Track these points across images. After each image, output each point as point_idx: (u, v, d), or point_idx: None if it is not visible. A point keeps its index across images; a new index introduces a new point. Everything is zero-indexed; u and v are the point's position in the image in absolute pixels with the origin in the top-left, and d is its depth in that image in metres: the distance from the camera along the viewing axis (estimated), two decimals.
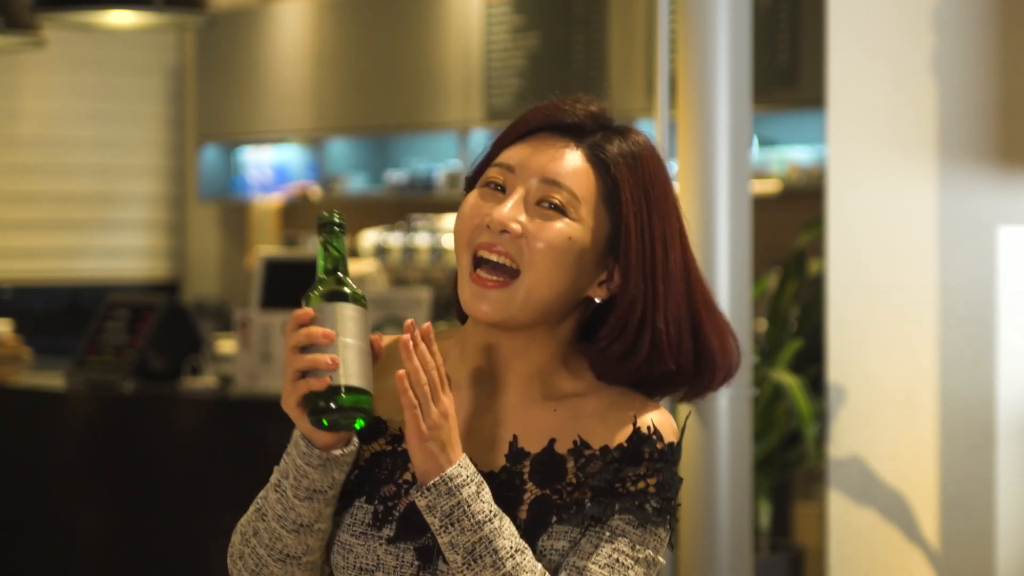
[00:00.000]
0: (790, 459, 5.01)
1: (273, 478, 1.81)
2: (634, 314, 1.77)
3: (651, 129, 7.38)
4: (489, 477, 1.77)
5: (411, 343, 1.69)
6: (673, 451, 1.78)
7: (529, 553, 1.71)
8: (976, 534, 3.93)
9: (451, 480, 1.69)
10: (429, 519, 1.70)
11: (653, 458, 1.77)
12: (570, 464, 1.77)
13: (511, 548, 1.70)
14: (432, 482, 1.69)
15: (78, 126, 9.22)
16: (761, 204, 5.03)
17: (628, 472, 1.76)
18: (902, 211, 4.01)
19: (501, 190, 1.79)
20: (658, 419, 1.79)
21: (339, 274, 1.75)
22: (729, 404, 3.81)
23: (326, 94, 8.76)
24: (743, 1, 3.82)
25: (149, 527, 5.33)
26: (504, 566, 1.69)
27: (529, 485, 1.77)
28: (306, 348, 1.71)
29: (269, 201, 9.37)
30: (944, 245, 3.96)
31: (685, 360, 1.81)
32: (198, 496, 5.15)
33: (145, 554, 5.35)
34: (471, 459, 1.76)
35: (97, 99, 9.26)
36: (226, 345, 5.99)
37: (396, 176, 8.58)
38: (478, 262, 1.77)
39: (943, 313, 3.96)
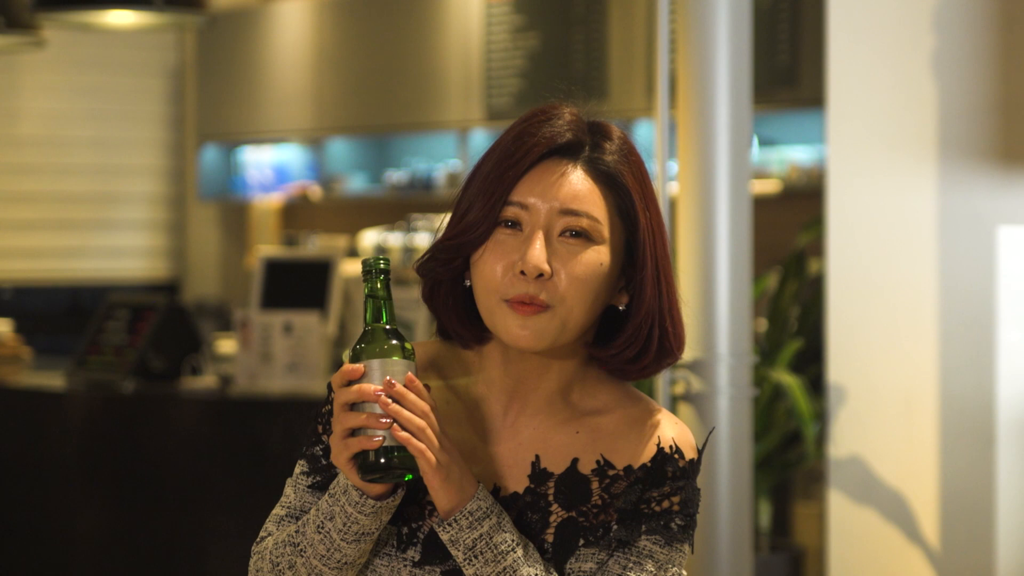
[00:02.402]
0: (790, 459, 5.01)
1: (315, 518, 1.76)
2: (651, 316, 1.78)
3: (651, 129, 7.38)
4: (513, 499, 1.77)
5: (401, 395, 1.67)
6: (693, 467, 1.79)
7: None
8: (976, 534, 3.93)
9: (472, 514, 1.69)
10: (453, 552, 1.71)
11: (675, 476, 1.77)
12: (594, 484, 1.78)
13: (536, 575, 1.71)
14: (453, 516, 1.69)
15: (78, 126, 9.22)
16: (761, 204, 5.03)
17: (652, 492, 1.76)
18: (902, 211, 4.01)
19: (519, 228, 1.75)
20: (678, 436, 1.79)
21: (387, 325, 1.71)
22: (729, 404, 3.81)
23: (326, 94, 8.76)
24: (743, 1, 3.82)
25: (149, 527, 5.33)
26: None
27: (555, 507, 1.77)
28: (356, 404, 1.68)
29: (269, 201, 9.37)
30: (944, 245, 3.96)
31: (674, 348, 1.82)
32: (198, 496, 5.15)
33: (145, 554, 5.35)
34: (494, 481, 1.77)
35: (97, 99, 9.26)
36: (226, 345, 5.99)
37: (396, 176, 8.57)
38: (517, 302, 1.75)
39: (943, 313, 3.96)
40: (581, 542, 1.76)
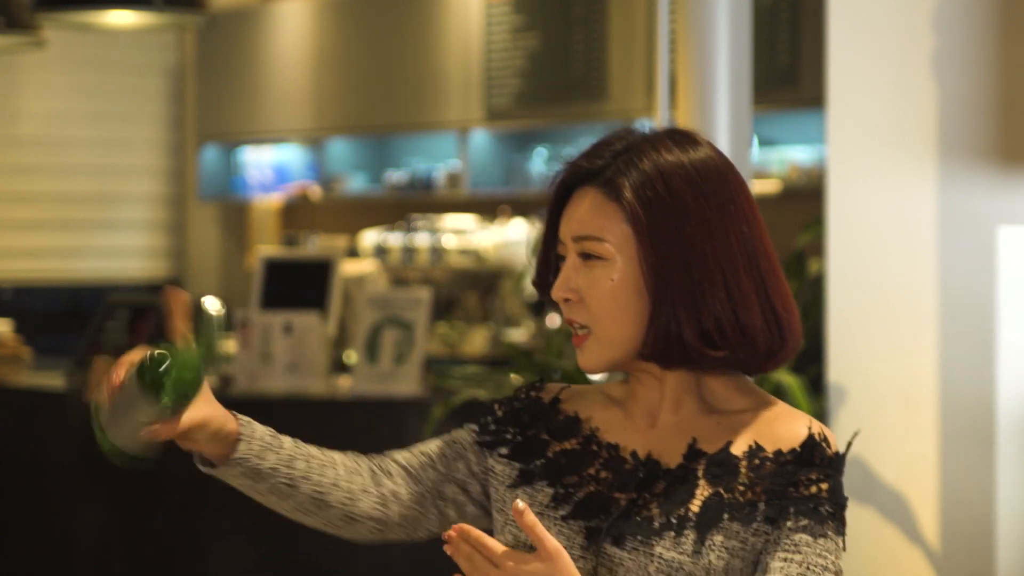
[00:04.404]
0: None
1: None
2: (667, 314, 1.82)
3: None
4: (664, 473, 1.84)
5: (456, 549, 1.78)
6: (840, 460, 1.85)
7: None
8: (976, 534, 3.93)
9: None
10: None
11: (823, 463, 1.83)
12: (743, 465, 1.83)
13: None
14: None
15: (78, 126, 9.22)
16: (761, 204, 5.02)
17: (801, 475, 1.81)
18: (902, 211, 4.01)
19: (564, 259, 1.89)
20: (825, 429, 1.86)
21: (172, 347, 1.81)
22: None
23: (326, 94, 8.76)
24: (743, 1, 3.82)
25: (149, 527, 5.33)
26: None
27: (702, 482, 1.83)
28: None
29: (269, 201, 9.37)
30: (944, 245, 3.96)
31: (741, 345, 1.85)
32: (198, 496, 5.15)
33: (145, 554, 5.35)
34: (649, 450, 1.86)
35: (97, 99, 9.26)
36: (226, 345, 5.99)
37: (396, 176, 8.57)
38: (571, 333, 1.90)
39: (943, 313, 3.96)
40: (726, 516, 1.80)
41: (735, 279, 1.83)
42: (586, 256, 1.85)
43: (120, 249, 9.43)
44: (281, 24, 8.96)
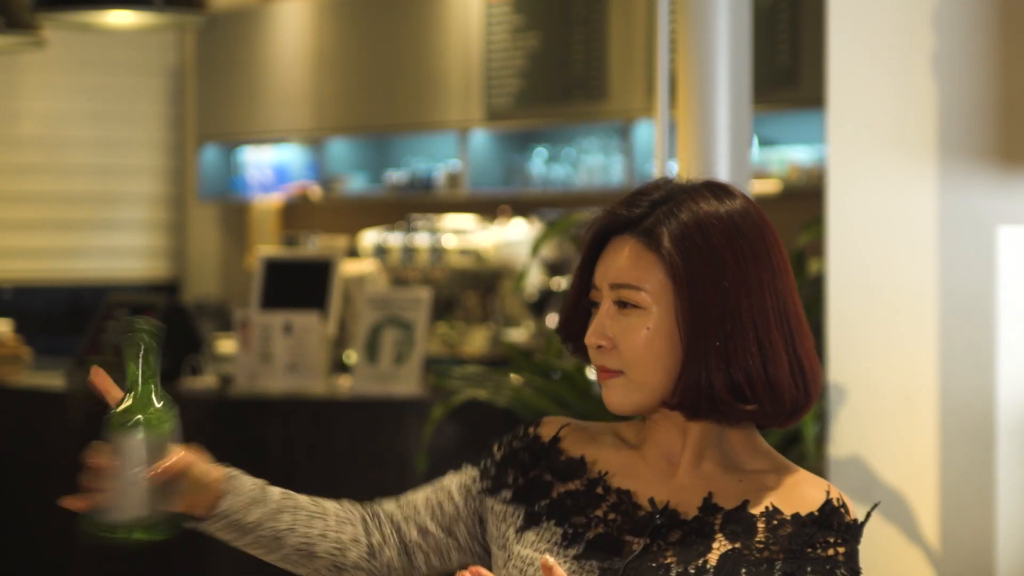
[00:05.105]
0: (790, 459, 5.01)
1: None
2: (697, 367, 1.83)
3: (651, 129, 7.39)
4: (681, 523, 1.85)
5: None
6: (858, 529, 1.85)
7: None
8: (976, 534, 3.93)
9: None
10: None
11: (842, 528, 1.83)
12: (761, 525, 1.84)
13: None
14: None
15: (78, 126, 9.22)
16: (761, 204, 5.02)
17: (819, 538, 1.82)
18: (902, 211, 4.01)
19: (597, 306, 1.90)
20: (844, 496, 1.87)
21: (135, 395, 1.80)
22: None
23: (326, 94, 8.76)
24: (743, 1, 3.82)
25: None
26: None
27: (719, 536, 1.84)
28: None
29: (269, 201, 9.37)
30: (944, 245, 3.96)
31: (769, 399, 1.86)
32: None
33: (145, 554, 5.35)
34: (668, 500, 1.87)
35: (97, 99, 9.26)
36: (226, 345, 5.99)
37: (396, 176, 8.57)
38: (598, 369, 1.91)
39: (943, 313, 3.96)
40: (743, 571, 1.80)
41: (767, 334, 1.84)
42: (622, 304, 1.86)
43: (120, 249, 9.43)
44: (281, 24, 8.96)
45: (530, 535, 1.90)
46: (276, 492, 1.94)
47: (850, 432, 4.08)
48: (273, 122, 9.04)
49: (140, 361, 1.79)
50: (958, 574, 3.95)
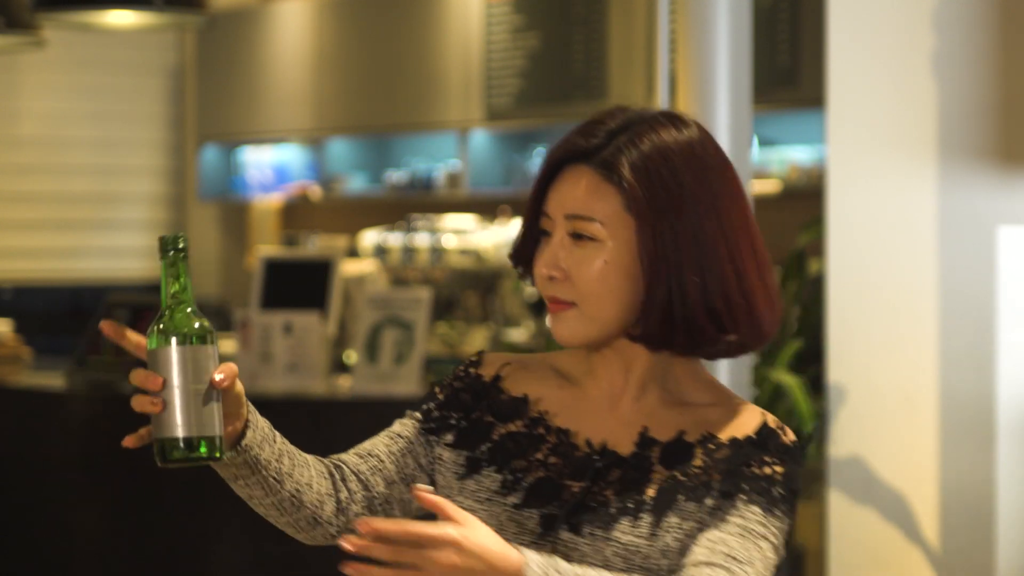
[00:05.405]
0: None
1: None
2: (661, 299, 1.81)
3: None
4: (619, 461, 1.84)
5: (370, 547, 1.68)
6: (797, 450, 1.84)
7: None
8: (976, 534, 3.93)
9: None
10: None
11: (780, 449, 1.82)
12: (699, 451, 1.83)
13: None
14: None
15: (78, 126, 9.22)
16: (761, 204, 5.02)
17: (755, 457, 1.81)
18: (902, 211, 4.01)
19: (548, 235, 1.87)
20: (782, 423, 1.87)
21: (173, 309, 1.74)
22: None
23: (326, 94, 8.76)
24: (743, 1, 3.82)
25: (149, 527, 5.33)
26: None
27: (657, 467, 1.82)
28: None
29: (269, 201, 9.37)
30: (944, 245, 3.96)
31: (748, 326, 1.85)
32: (198, 496, 5.15)
33: (145, 554, 5.35)
34: (605, 440, 1.84)
35: (97, 99, 9.26)
36: (226, 345, 5.98)
37: (396, 176, 8.57)
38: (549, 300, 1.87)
39: (943, 313, 3.96)
40: (682, 498, 1.79)
41: (741, 261, 1.83)
42: (576, 236, 1.83)
43: (120, 249, 9.43)
44: (281, 24, 8.96)
45: (471, 483, 1.88)
46: (277, 434, 1.90)
47: (850, 432, 4.08)
48: (273, 122, 9.04)
49: (167, 276, 1.75)
50: (958, 574, 3.95)
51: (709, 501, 1.79)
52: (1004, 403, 3.91)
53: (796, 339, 4.97)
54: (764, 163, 7.03)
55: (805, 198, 6.59)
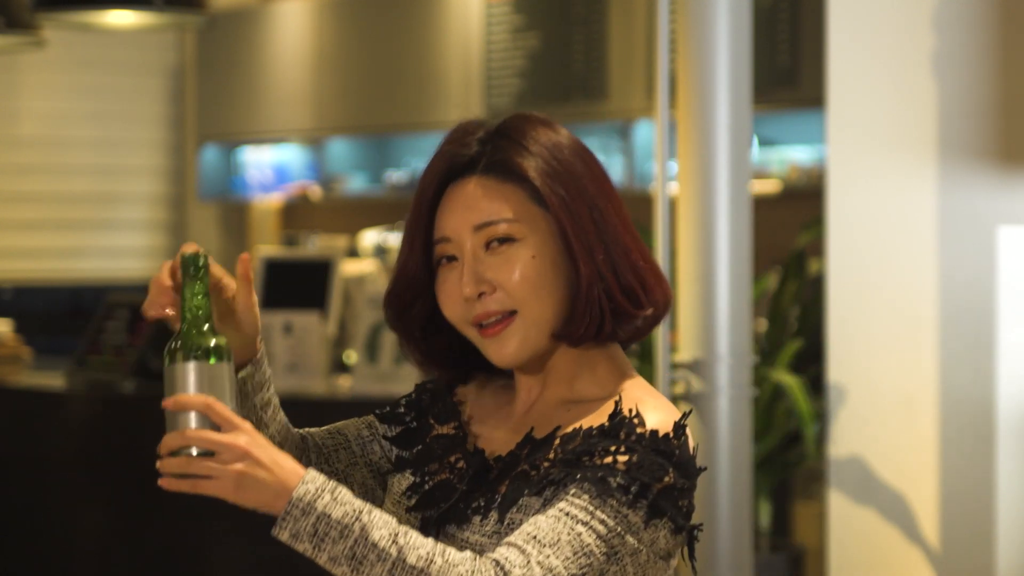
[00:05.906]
0: (790, 459, 5.01)
1: None
2: (592, 284, 1.82)
3: (651, 129, 7.38)
4: (496, 460, 1.84)
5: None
6: (658, 441, 1.77)
7: (412, 533, 1.69)
8: (976, 534, 3.93)
9: (301, 500, 1.67)
10: (301, 548, 1.68)
11: (630, 439, 1.77)
12: (556, 443, 1.81)
13: (390, 535, 1.67)
14: (285, 511, 1.68)
15: (78, 126, 9.22)
16: (761, 204, 5.03)
17: (600, 447, 1.77)
18: (902, 211, 4.01)
19: (455, 260, 1.84)
20: (650, 413, 1.80)
21: (192, 326, 1.77)
22: (729, 404, 3.81)
23: (326, 94, 8.76)
24: (743, 1, 3.82)
25: (149, 527, 5.33)
26: (390, 555, 1.67)
27: (522, 466, 1.81)
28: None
29: (269, 201, 9.37)
30: (944, 245, 3.96)
31: (657, 295, 1.88)
32: (198, 496, 5.15)
33: (146, 554, 5.35)
34: (493, 454, 1.85)
35: (97, 99, 9.26)
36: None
37: (396, 176, 8.58)
38: (483, 327, 1.84)
39: (943, 313, 3.96)
40: (526, 493, 1.78)
41: (633, 240, 1.86)
42: (490, 245, 1.82)
43: (120, 249, 9.43)
44: (281, 24, 8.96)
45: (392, 482, 1.92)
46: (272, 385, 1.96)
47: (850, 432, 4.08)
48: (273, 122, 9.04)
49: (188, 293, 1.78)
50: (958, 574, 3.95)
51: (547, 493, 1.76)
52: (1004, 403, 3.91)
53: (796, 339, 4.97)
54: (764, 163, 7.04)
55: (805, 198, 6.59)
